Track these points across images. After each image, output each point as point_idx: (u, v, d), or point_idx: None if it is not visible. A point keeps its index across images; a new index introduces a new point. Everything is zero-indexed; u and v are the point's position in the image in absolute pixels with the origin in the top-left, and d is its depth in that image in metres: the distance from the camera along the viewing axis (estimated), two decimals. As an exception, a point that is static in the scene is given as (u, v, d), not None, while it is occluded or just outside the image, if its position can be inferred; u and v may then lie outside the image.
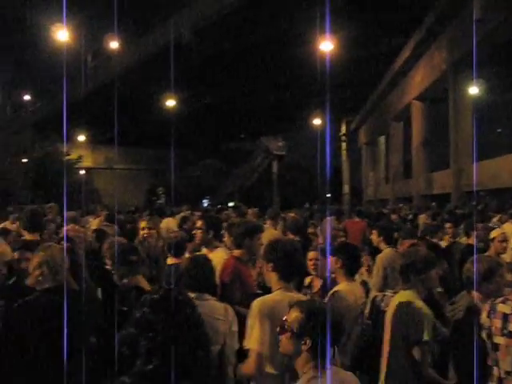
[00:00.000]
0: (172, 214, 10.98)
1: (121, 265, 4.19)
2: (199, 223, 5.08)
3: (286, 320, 2.63)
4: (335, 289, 4.17)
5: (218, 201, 29.87)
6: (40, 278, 3.33)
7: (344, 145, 42.61)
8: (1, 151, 24.74)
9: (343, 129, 42.55)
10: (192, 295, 3.85)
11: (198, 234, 5.02)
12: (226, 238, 5.39)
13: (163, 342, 2.16)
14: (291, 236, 6.29)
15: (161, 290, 2.31)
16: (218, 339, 3.56)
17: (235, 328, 3.69)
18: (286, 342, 2.62)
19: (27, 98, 35.08)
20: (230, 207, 13.76)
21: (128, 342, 2.20)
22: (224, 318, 3.70)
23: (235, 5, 23.40)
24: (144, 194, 37.90)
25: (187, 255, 4.89)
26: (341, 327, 2.70)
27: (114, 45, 29.70)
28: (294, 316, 2.60)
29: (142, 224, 6.76)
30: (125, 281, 4.09)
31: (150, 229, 6.61)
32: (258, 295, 3.69)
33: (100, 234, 6.61)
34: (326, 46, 17.98)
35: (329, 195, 26.74)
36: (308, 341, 2.52)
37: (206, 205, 30.93)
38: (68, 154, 29.68)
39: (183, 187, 33.66)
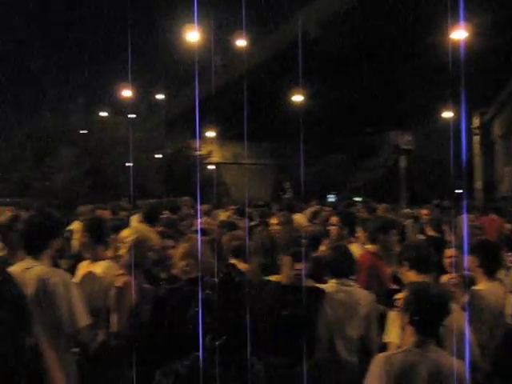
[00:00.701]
0: (300, 209, 11.03)
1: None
2: (334, 219, 5.10)
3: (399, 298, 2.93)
4: (474, 288, 4.05)
5: (344, 196, 29.72)
6: (186, 268, 3.51)
7: (477, 138, 40.61)
8: (136, 148, 26.08)
9: (476, 121, 40.56)
10: (335, 281, 3.94)
11: (334, 229, 5.04)
12: (360, 234, 5.37)
13: (225, 319, 2.33)
14: (431, 233, 6.17)
15: (220, 275, 2.47)
16: (359, 324, 3.63)
17: (375, 314, 3.75)
18: (398, 317, 2.96)
19: (160, 96, 36.62)
20: (358, 202, 13.63)
21: (194, 321, 2.38)
22: (365, 303, 3.77)
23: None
24: (270, 188, 38.47)
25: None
26: (443, 308, 2.84)
27: (241, 43, 30.41)
28: (403, 294, 2.89)
29: (274, 220, 6.84)
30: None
31: (281, 224, 6.69)
32: (394, 291, 3.66)
33: (231, 226, 6.81)
34: (460, 33, 17.28)
35: (460, 191, 25.67)
36: (408, 315, 2.74)
37: (331, 200, 30.85)
38: (199, 150, 30.89)
39: (308, 182, 33.74)
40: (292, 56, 20.71)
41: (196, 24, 24.07)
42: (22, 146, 25.26)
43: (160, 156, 29.49)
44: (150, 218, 6.27)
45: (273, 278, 4.17)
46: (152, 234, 4.20)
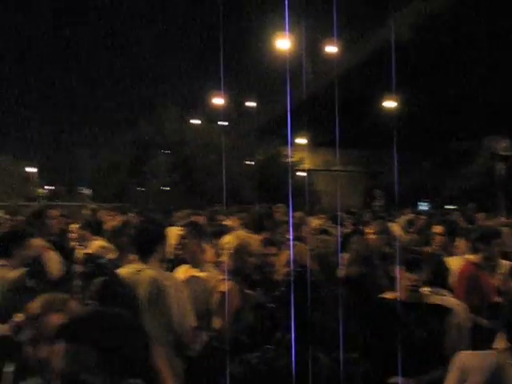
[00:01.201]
0: (392, 218, 10.88)
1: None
2: (439, 228, 5.02)
3: None
4: None
5: (438, 204, 28.90)
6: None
7: None
8: (228, 155, 26.53)
9: None
10: (429, 290, 3.88)
11: (438, 238, 4.96)
12: (460, 243, 5.25)
13: (298, 315, 2.42)
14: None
15: (294, 273, 2.54)
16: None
17: (467, 325, 3.69)
18: None
19: (251, 104, 37.05)
20: (454, 210, 13.26)
21: (268, 316, 2.48)
22: (457, 312, 3.71)
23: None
24: (361, 196, 38.00)
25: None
26: None
27: (332, 49, 30.34)
28: None
29: (370, 229, 6.75)
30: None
31: (377, 233, 6.61)
32: (498, 304, 3.57)
33: (324, 234, 6.83)
34: None
35: None
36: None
37: (423, 208, 30.07)
38: (291, 157, 31.05)
39: (400, 189, 33.03)
40: (384, 60, 20.42)
41: (287, 31, 24.23)
42: (120, 153, 26.31)
43: (251, 163, 29.85)
44: (256, 225, 6.39)
45: (388, 295, 3.98)
46: (253, 241, 4.29)
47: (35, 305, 2.28)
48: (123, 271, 3.75)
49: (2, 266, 4.60)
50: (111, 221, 8.01)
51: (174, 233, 5.40)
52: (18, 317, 3.77)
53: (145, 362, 1.59)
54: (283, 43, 25.70)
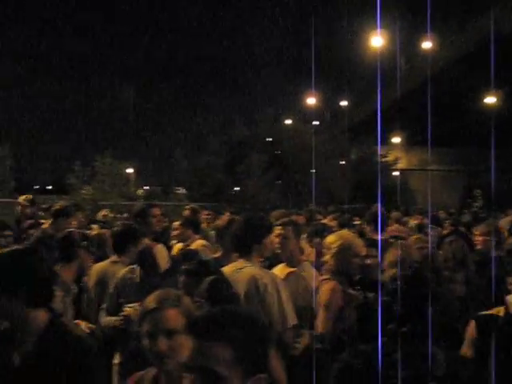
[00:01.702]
0: (496, 219, 10.50)
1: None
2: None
3: None
4: None
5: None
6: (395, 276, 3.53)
7: None
8: (321, 155, 26.44)
9: None
10: None
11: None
12: None
13: (412, 309, 2.45)
14: None
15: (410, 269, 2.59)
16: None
17: None
18: None
19: (344, 103, 36.79)
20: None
21: (384, 307, 2.49)
22: None
23: None
24: (459, 195, 36.82)
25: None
26: None
27: (427, 45, 29.52)
28: None
29: (477, 230, 6.39)
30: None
31: (484, 234, 6.22)
32: None
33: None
34: None
35: None
36: None
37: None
38: (384, 157, 30.60)
39: (500, 189, 31.70)
40: (483, 55, 19.63)
41: (379, 28, 23.84)
42: (216, 153, 26.85)
43: (345, 163, 29.65)
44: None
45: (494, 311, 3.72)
46: (357, 241, 4.26)
47: (151, 299, 2.39)
48: (225, 269, 3.83)
49: (115, 262, 4.81)
50: (215, 220, 8.20)
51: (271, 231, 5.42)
52: (128, 310, 3.94)
53: (267, 358, 1.65)
54: (376, 40, 25.32)
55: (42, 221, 7.34)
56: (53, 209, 6.91)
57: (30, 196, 8.51)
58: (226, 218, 5.03)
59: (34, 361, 2.31)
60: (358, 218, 9.78)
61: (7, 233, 5.43)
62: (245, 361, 1.55)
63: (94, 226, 7.68)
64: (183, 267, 3.50)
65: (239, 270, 3.84)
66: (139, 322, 2.39)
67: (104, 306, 4.36)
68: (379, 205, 6.75)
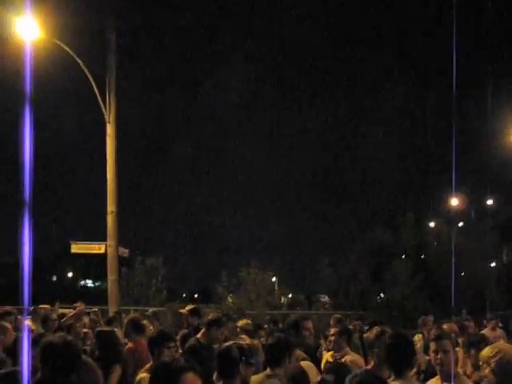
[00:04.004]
0: None
1: None
2: None
3: None
4: None
5: None
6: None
7: None
8: (470, 257, 25.38)
9: None
10: None
11: None
12: None
13: None
14: None
15: None
16: None
17: None
18: None
19: (490, 202, 35.44)
20: None
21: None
22: None
23: None
24: None
25: None
26: None
27: None
28: None
29: None
30: None
31: None
32: None
33: None
34: None
35: None
36: None
37: None
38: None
39: None
40: None
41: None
42: (360, 260, 26.67)
43: (494, 264, 28.11)
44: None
45: None
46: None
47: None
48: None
49: (270, 375, 4.84)
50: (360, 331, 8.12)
51: (419, 341, 5.30)
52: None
53: None
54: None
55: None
56: (206, 318, 7.23)
57: (195, 306, 8.91)
58: (376, 329, 4.99)
59: None
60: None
61: (171, 344, 5.64)
62: None
63: (244, 336, 7.85)
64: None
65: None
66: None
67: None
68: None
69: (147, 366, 5.51)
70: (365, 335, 7.28)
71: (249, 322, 10.13)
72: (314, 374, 4.26)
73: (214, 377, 4.54)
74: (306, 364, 5.09)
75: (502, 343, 4.61)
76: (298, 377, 4.23)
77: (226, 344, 4.68)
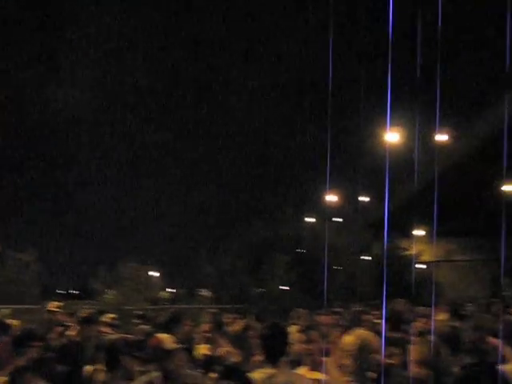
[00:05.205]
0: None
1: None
2: None
3: None
4: None
5: None
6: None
7: None
8: (344, 251, 26.43)
9: None
10: None
11: None
12: None
13: None
14: None
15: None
16: None
17: None
18: None
19: (364, 198, 36.92)
20: None
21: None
22: None
23: None
24: (487, 286, 36.08)
25: None
26: None
27: (443, 137, 30.03)
28: None
29: None
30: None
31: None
32: None
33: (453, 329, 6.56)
34: None
35: None
36: None
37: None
38: (407, 250, 30.43)
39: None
40: (500, 143, 19.89)
41: (391, 123, 24.46)
42: (238, 255, 26.97)
43: (368, 258, 29.49)
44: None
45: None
46: (375, 339, 4.24)
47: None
48: (256, 375, 3.85)
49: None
50: (231, 324, 8.20)
51: (294, 333, 5.44)
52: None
53: None
54: (392, 136, 25.97)
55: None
56: (79, 315, 7.00)
57: (60, 303, 8.62)
58: (241, 323, 5.05)
59: None
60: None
61: (36, 343, 5.37)
62: None
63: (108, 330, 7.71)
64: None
65: (271, 377, 3.86)
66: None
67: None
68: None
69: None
70: (231, 328, 7.37)
71: (115, 316, 9.90)
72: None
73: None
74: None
75: (359, 331, 4.83)
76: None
77: (112, 337, 4.66)
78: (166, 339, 4.51)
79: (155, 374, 4.33)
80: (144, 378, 4.34)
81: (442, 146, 30.48)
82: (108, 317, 9.86)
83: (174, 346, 4.43)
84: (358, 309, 9.66)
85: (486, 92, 30.07)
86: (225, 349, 6.24)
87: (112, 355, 4.49)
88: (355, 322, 8.26)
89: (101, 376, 4.53)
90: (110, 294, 23.92)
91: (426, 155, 34.34)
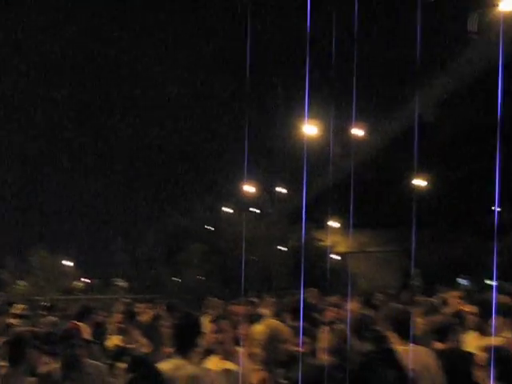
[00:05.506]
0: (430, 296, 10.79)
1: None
2: (470, 308, 4.97)
3: None
4: None
5: (479, 281, 28.24)
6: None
7: None
8: (261, 241, 26.65)
9: None
10: None
11: (471, 318, 4.90)
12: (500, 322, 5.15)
13: None
14: None
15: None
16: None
17: None
18: None
19: (282, 190, 37.30)
20: (495, 286, 12.97)
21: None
22: None
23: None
24: (398, 276, 37.39)
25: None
26: None
27: (359, 132, 30.83)
28: None
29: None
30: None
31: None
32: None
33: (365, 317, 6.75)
34: None
35: None
36: None
37: (463, 283, 29.41)
38: (322, 241, 31.08)
39: (437, 267, 32.57)
40: (410, 140, 20.61)
41: (308, 117, 24.85)
42: (154, 244, 26.68)
43: (285, 249, 29.89)
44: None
45: None
46: (285, 328, 4.30)
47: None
48: (164, 366, 3.80)
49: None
50: (142, 314, 8.10)
51: (206, 323, 5.43)
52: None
53: None
54: (308, 128, 26.44)
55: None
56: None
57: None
58: (151, 313, 5.00)
59: None
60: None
61: None
62: None
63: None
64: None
65: (179, 368, 3.82)
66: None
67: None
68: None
69: None
70: (140, 318, 7.29)
71: (25, 307, 9.63)
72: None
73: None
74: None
75: (269, 320, 4.88)
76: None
77: (18, 330, 4.47)
78: (83, 327, 4.39)
79: (54, 366, 4.21)
80: (43, 369, 4.22)
81: (357, 140, 31.34)
82: (17, 308, 9.54)
83: (87, 335, 4.33)
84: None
85: (399, 90, 31.08)
86: (135, 339, 6.15)
87: (17, 349, 4.32)
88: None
89: (3, 371, 4.35)
90: (20, 285, 23.11)
91: (343, 149, 35.27)
